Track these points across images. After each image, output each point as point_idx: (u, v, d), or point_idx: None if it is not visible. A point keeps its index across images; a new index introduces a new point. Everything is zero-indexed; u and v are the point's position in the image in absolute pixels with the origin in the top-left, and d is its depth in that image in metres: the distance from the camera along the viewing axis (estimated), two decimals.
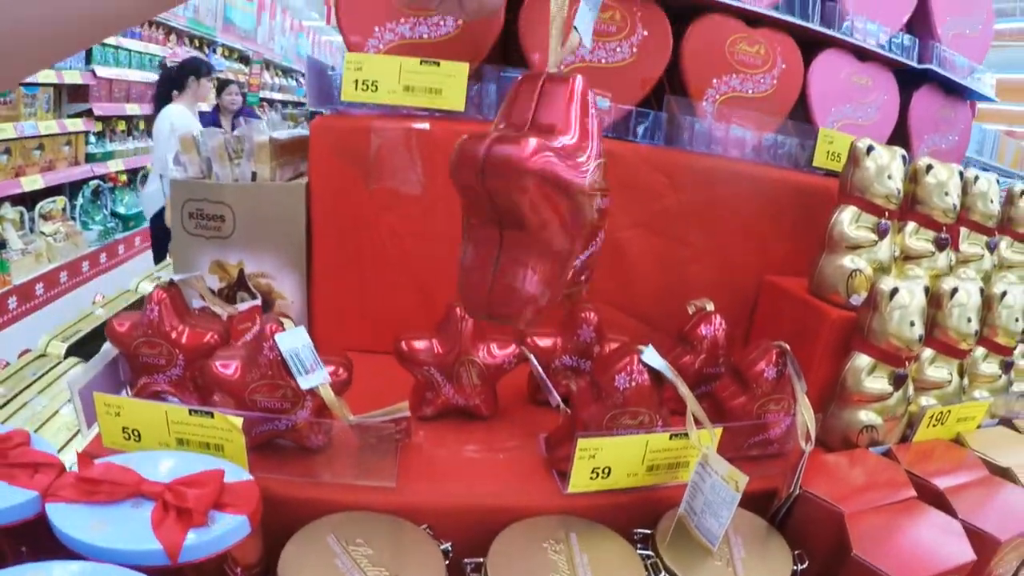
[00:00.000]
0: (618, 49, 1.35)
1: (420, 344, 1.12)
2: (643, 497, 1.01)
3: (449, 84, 1.27)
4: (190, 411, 0.91)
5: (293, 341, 0.94)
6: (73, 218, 4.93)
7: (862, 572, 0.89)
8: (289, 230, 1.34)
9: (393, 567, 0.82)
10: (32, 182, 4.42)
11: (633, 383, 0.97)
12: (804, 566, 0.93)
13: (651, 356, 0.98)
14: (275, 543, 0.84)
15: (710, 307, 1.25)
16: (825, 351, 1.23)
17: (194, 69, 4.52)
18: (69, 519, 0.72)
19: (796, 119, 1.49)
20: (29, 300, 4.10)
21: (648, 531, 0.96)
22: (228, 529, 0.74)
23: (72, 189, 5.08)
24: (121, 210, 5.51)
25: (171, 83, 4.49)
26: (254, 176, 1.34)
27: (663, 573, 0.90)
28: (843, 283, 1.24)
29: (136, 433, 0.93)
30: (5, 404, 1.52)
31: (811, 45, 1.52)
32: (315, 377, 0.94)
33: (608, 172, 1.31)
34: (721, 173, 1.40)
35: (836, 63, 1.54)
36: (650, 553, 0.92)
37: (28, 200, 4.47)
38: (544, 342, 1.23)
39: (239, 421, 0.89)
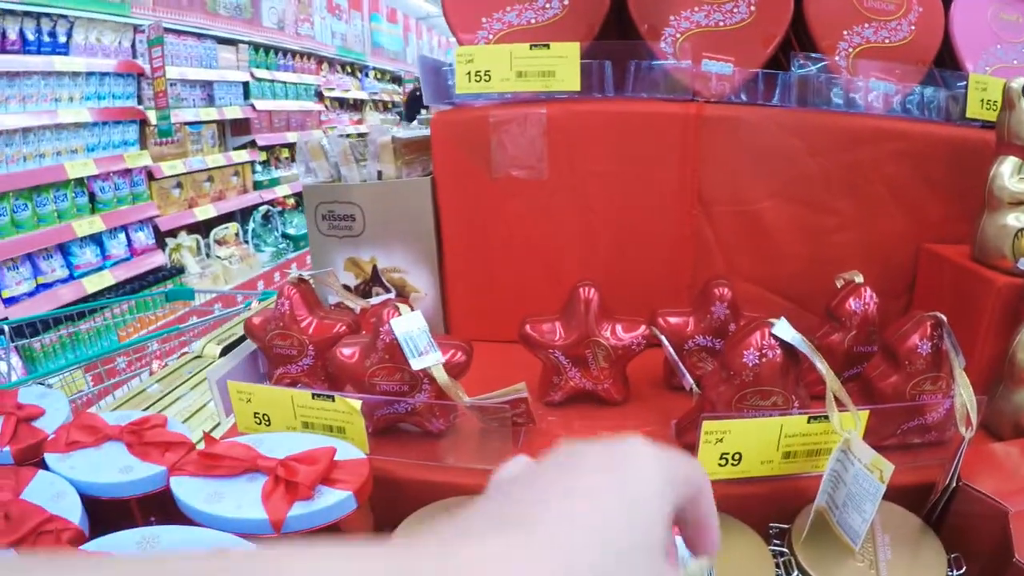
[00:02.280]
0: (735, 9, 1.27)
1: (545, 327, 1.10)
2: (781, 488, 0.92)
3: (562, 65, 1.25)
4: (313, 395, 0.96)
5: (408, 325, 0.97)
6: (246, 242, 5.32)
7: None
8: (417, 225, 1.38)
9: None
10: (204, 211, 4.84)
11: (764, 359, 0.88)
12: (961, 572, 0.80)
13: (783, 328, 0.88)
14: (396, 526, 0.85)
15: (859, 279, 1.13)
16: (991, 324, 1.08)
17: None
18: (189, 490, 0.78)
19: (942, 67, 1.32)
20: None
21: (785, 526, 0.87)
22: (333, 503, 0.77)
23: (243, 215, 5.49)
24: (291, 231, 5.88)
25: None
26: (380, 175, 1.37)
27: (796, 572, 0.81)
28: (1008, 245, 1.08)
29: (266, 418, 1.00)
30: (160, 399, 1.69)
31: None
32: (428, 359, 0.96)
33: (738, 139, 1.23)
34: (864, 133, 1.26)
35: (978, 1, 1.36)
36: (784, 550, 0.84)
37: (203, 228, 4.89)
38: (675, 320, 1.15)
39: (358, 404, 0.94)
